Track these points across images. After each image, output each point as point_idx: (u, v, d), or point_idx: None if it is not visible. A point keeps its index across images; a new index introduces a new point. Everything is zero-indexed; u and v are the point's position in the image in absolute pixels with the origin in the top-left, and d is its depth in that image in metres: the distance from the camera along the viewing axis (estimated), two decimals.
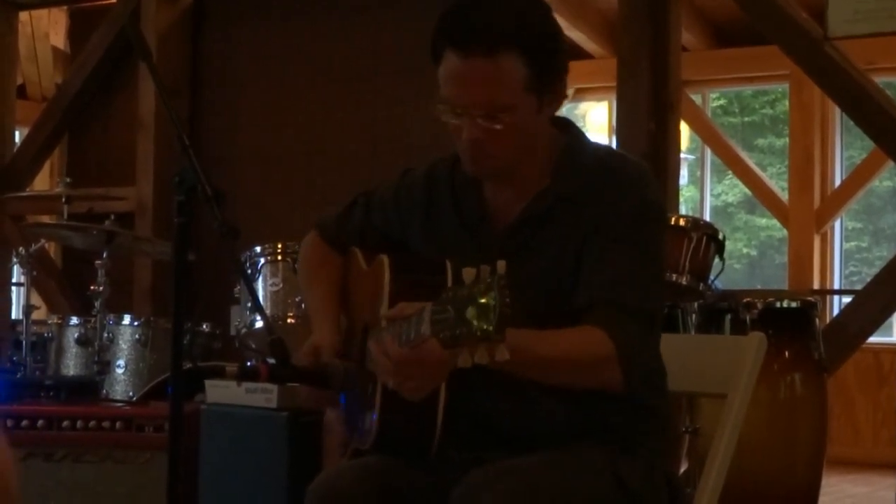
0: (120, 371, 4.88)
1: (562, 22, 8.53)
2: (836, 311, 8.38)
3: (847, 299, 7.35)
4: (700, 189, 10.51)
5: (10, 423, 4.46)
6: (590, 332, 2.32)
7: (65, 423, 4.46)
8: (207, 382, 4.21)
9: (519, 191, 2.50)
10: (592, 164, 2.48)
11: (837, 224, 9.40)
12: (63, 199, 5.36)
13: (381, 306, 2.38)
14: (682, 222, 4.62)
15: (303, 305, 4.54)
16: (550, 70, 2.39)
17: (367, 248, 2.69)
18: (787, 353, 4.39)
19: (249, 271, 4.63)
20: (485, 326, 1.90)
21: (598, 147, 2.58)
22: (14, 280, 6.78)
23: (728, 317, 4.40)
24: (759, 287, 10.97)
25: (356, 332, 2.62)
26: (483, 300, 1.90)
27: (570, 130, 2.56)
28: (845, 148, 9.52)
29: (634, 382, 2.35)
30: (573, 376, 2.34)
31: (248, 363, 4.40)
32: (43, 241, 5.75)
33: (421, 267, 2.50)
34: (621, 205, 2.41)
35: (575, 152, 2.50)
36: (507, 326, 1.89)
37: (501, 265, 1.91)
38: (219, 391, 4.19)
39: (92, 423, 4.47)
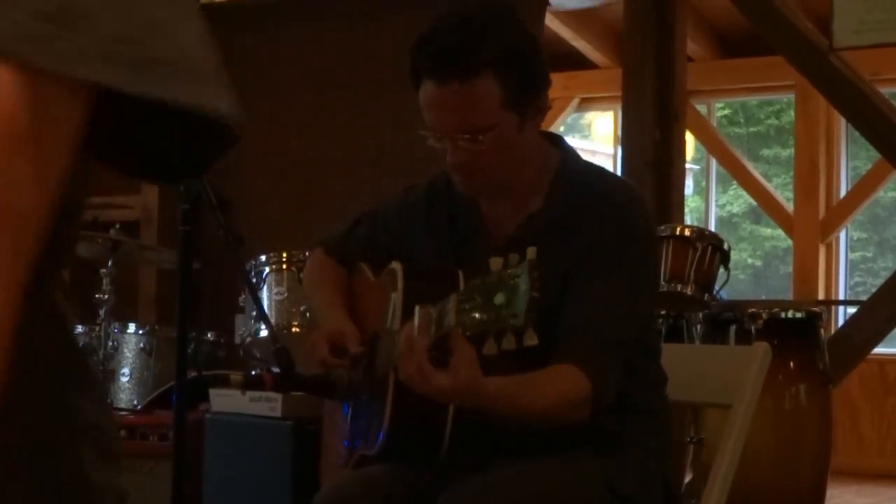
0: (124, 379, 4.88)
1: (567, 32, 8.56)
2: (840, 322, 8.36)
3: (852, 310, 7.34)
4: (705, 199, 10.51)
5: None
6: (568, 377, 2.32)
7: None
8: (212, 391, 4.21)
9: (513, 206, 2.52)
10: (584, 187, 2.49)
11: (842, 234, 9.39)
12: None
13: (396, 312, 2.39)
14: (687, 232, 4.62)
15: (307, 314, 4.54)
16: (527, 85, 2.41)
17: (371, 263, 2.70)
18: (791, 364, 4.39)
19: (254, 280, 4.63)
20: (514, 311, 1.90)
21: (589, 168, 2.59)
22: None
23: (733, 327, 4.40)
24: (763, 297, 10.96)
25: (364, 341, 2.61)
26: (513, 285, 1.90)
27: (563, 147, 2.58)
28: (850, 158, 9.51)
29: (605, 417, 2.38)
30: (547, 417, 2.36)
31: (253, 372, 4.42)
32: None
33: (433, 275, 2.51)
34: (608, 232, 2.42)
35: (568, 174, 2.52)
36: (536, 311, 1.89)
37: (532, 251, 1.92)
38: (223, 400, 4.19)
39: None
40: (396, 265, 2.50)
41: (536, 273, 1.90)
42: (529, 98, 2.41)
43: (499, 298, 1.92)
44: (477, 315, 1.96)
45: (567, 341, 2.37)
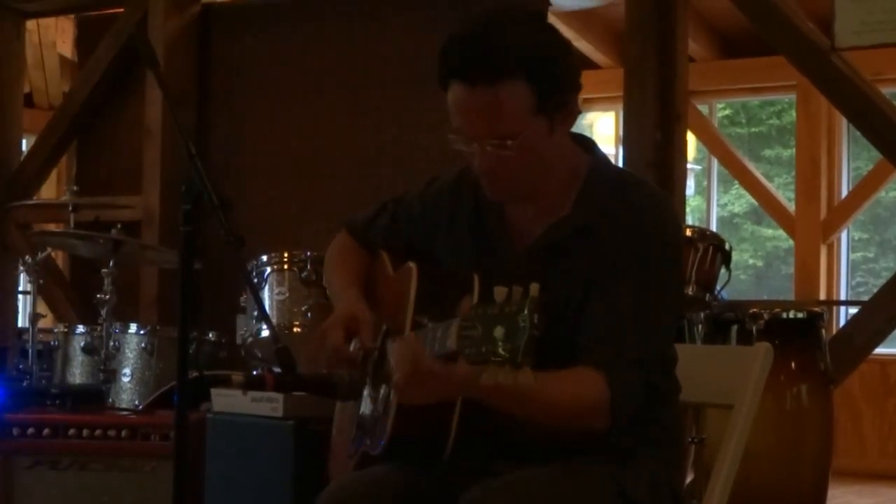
0: (126, 379, 4.87)
1: (569, 33, 8.52)
2: (842, 322, 8.37)
3: (853, 310, 7.35)
4: (706, 199, 10.51)
5: (16, 431, 4.46)
6: (589, 380, 2.30)
7: (71, 432, 4.46)
8: (213, 391, 4.21)
9: (540, 210, 2.48)
10: (615, 195, 2.45)
11: (844, 235, 9.40)
12: (70, 208, 5.36)
13: (406, 315, 2.38)
14: (688, 233, 4.61)
15: (309, 315, 4.54)
16: (557, 91, 2.37)
17: (392, 253, 2.69)
18: (793, 364, 4.39)
19: (256, 280, 4.63)
20: (512, 347, 1.88)
21: (621, 174, 2.55)
22: (20, 288, 6.79)
23: (734, 327, 4.40)
24: (765, 298, 10.96)
25: (376, 335, 2.61)
26: (513, 321, 1.89)
27: (594, 152, 2.53)
28: (852, 159, 9.52)
29: (616, 429, 2.35)
30: (562, 421, 2.33)
31: (254, 372, 4.42)
32: (49, 249, 5.75)
33: (448, 279, 2.49)
34: (637, 244, 2.39)
35: (598, 181, 2.48)
36: (534, 349, 1.88)
37: (535, 288, 1.90)
38: (224, 400, 4.19)
39: (98, 432, 4.47)
40: (412, 265, 2.49)
41: (538, 313, 1.88)
42: (559, 104, 2.38)
43: (498, 331, 1.91)
44: (476, 344, 1.95)
45: (587, 349, 2.34)
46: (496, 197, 2.49)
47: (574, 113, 2.44)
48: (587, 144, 2.55)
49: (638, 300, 2.36)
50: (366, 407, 2.57)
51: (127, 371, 4.87)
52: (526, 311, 1.88)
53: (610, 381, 2.30)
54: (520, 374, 1.91)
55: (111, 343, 4.85)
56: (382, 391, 2.47)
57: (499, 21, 2.35)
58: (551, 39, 2.39)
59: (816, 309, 4.56)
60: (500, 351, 1.90)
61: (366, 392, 2.57)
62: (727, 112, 11.36)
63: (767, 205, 9.74)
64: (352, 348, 2.56)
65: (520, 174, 2.40)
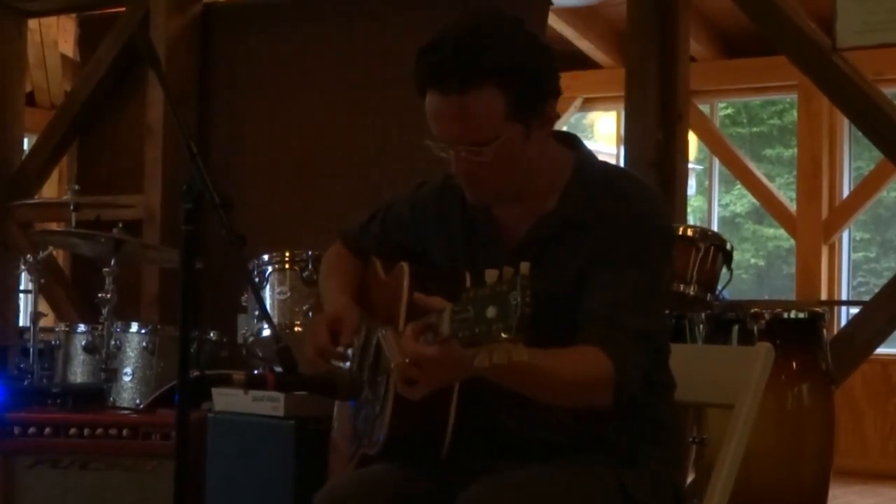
0: (127, 378, 4.87)
1: (571, 32, 8.55)
2: (843, 322, 8.37)
3: (855, 310, 7.34)
4: (708, 199, 10.51)
5: (17, 430, 4.46)
6: (590, 353, 2.30)
7: (72, 431, 4.46)
8: (214, 390, 4.21)
9: (528, 207, 2.49)
10: (602, 187, 2.46)
11: (845, 235, 9.40)
12: (71, 207, 5.36)
13: (400, 312, 2.38)
14: (689, 233, 4.61)
15: (310, 314, 4.54)
16: (532, 97, 2.37)
17: (384, 259, 2.69)
18: (794, 364, 4.38)
19: (257, 279, 4.63)
20: (504, 325, 1.89)
21: (606, 168, 2.56)
22: (22, 287, 6.79)
23: (736, 327, 4.39)
24: (766, 297, 10.95)
25: (372, 338, 2.62)
26: (504, 300, 1.89)
27: (577, 147, 2.55)
28: (853, 158, 9.52)
29: (619, 405, 2.33)
30: (567, 396, 2.32)
31: (256, 371, 4.42)
32: (51, 248, 5.75)
33: (440, 276, 2.50)
34: (629, 231, 2.40)
35: (584, 174, 2.49)
36: (527, 327, 1.88)
37: (525, 266, 1.90)
38: (226, 399, 4.19)
39: (99, 431, 4.47)
40: (404, 265, 2.50)
41: (529, 289, 1.88)
42: (535, 109, 2.38)
43: (490, 312, 1.91)
44: (469, 326, 1.95)
45: (586, 328, 2.35)
46: (477, 200, 2.49)
47: (552, 117, 2.44)
48: (571, 141, 2.56)
49: (632, 282, 2.37)
50: (363, 407, 2.57)
51: (128, 370, 4.87)
52: (517, 289, 1.88)
53: (612, 354, 2.29)
54: (514, 351, 1.90)
55: (112, 342, 4.85)
56: (379, 390, 2.47)
57: (472, 28, 2.34)
58: (526, 46, 2.38)
59: (818, 309, 4.56)
60: (494, 330, 1.90)
61: (364, 392, 2.57)
62: (729, 112, 11.36)
63: (769, 204, 9.74)
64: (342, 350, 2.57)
65: (498, 178, 2.40)
